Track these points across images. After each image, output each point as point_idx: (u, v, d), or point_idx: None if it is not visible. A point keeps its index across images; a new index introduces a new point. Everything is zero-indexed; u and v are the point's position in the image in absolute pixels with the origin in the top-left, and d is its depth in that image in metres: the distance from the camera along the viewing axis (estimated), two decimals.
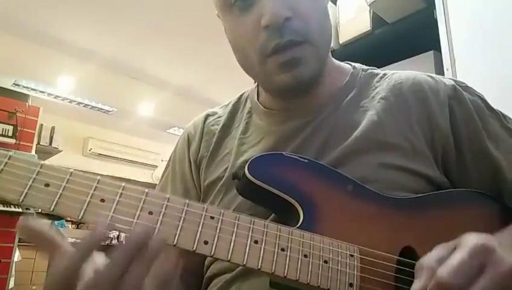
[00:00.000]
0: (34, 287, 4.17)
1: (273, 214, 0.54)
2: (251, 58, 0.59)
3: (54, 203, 0.37)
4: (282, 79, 0.57)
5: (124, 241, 0.38)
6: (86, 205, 0.38)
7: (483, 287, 0.38)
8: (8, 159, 0.37)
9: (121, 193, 0.39)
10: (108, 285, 0.37)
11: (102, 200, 0.38)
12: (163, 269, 0.40)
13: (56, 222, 5.16)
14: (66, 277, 0.37)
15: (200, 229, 0.40)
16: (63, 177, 0.38)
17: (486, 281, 0.39)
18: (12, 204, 3.45)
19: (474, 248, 0.41)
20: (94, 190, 0.39)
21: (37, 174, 0.37)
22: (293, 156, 0.53)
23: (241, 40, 0.59)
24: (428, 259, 0.43)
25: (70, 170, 0.39)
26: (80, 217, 0.37)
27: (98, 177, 0.39)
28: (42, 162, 0.38)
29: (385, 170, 0.56)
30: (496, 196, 0.59)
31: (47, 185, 0.37)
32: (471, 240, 0.42)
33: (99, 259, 0.40)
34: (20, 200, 0.36)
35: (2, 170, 0.37)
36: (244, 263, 0.40)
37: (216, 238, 0.40)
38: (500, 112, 0.63)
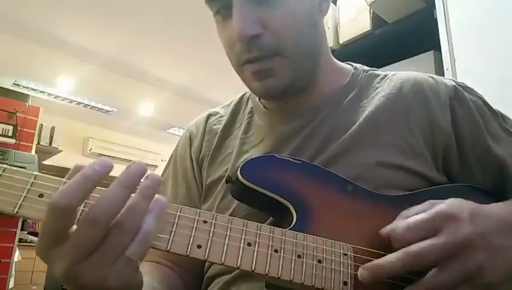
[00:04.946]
0: (34, 287, 4.17)
1: (270, 217, 0.54)
2: (232, 63, 0.61)
3: None
4: (255, 86, 0.59)
5: (126, 169, 0.37)
6: (79, 214, 0.37)
7: (425, 247, 0.41)
8: (2, 171, 0.38)
9: None
10: (107, 218, 0.35)
11: None
12: (161, 206, 0.38)
13: None
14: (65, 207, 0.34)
15: (193, 233, 0.40)
16: (56, 188, 0.38)
17: (430, 243, 0.41)
18: None
19: (438, 212, 0.43)
20: (89, 199, 0.38)
21: (31, 185, 0.38)
22: (285, 158, 0.53)
23: (224, 46, 0.60)
24: (405, 213, 0.47)
25: (63, 180, 0.39)
26: None
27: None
28: (36, 173, 0.39)
29: (381, 169, 0.56)
30: (500, 195, 0.58)
31: (41, 195, 0.38)
32: (443, 204, 0.45)
33: None
34: (15, 212, 0.36)
35: None
36: (238, 265, 0.41)
37: (209, 242, 0.40)
38: (500, 112, 0.63)
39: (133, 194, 0.37)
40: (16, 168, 0.39)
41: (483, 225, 0.44)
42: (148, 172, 0.38)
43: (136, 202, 0.37)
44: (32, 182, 0.38)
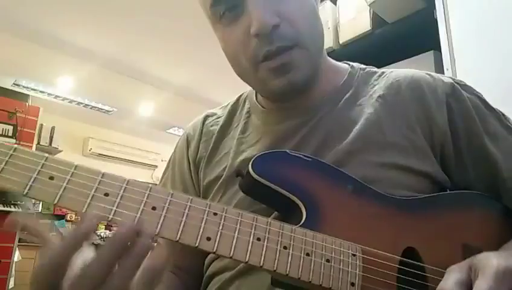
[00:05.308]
0: None
1: (274, 212, 0.54)
2: (244, 65, 0.59)
3: (58, 197, 0.37)
4: (275, 84, 0.57)
5: (111, 236, 0.36)
6: (90, 198, 0.37)
7: None
8: (14, 151, 0.37)
9: (125, 188, 0.39)
10: (95, 281, 0.35)
11: (106, 194, 0.38)
12: (152, 265, 0.37)
13: (56, 222, 5.16)
14: (52, 269, 0.35)
15: (202, 225, 0.40)
16: (67, 171, 0.38)
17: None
18: (12, 204, 3.45)
19: (499, 272, 0.38)
20: (98, 184, 0.38)
21: (41, 167, 0.37)
22: (296, 154, 0.53)
23: (233, 49, 0.59)
24: (449, 284, 0.40)
25: (75, 163, 0.39)
26: (84, 211, 0.37)
27: (103, 171, 0.39)
28: (47, 155, 0.38)
29: (386, 170, 0.56)
30: (494, 195, 0.59)
31: (51, 178, 0.37)
32: (492, 263, 0.39)
33: (89, 254, 0.38)
34: (25, 193, 0.36)
35: (7, 162, 0.37)
36: (247, 260, 0.40)
37: (219, 235, 0.40)
38: (500, 111, 0.63)
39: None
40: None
41: None
42: (143, 230, 0.37)
43: (120, 269, 0.36)
44: (43, 164, 0.38)
